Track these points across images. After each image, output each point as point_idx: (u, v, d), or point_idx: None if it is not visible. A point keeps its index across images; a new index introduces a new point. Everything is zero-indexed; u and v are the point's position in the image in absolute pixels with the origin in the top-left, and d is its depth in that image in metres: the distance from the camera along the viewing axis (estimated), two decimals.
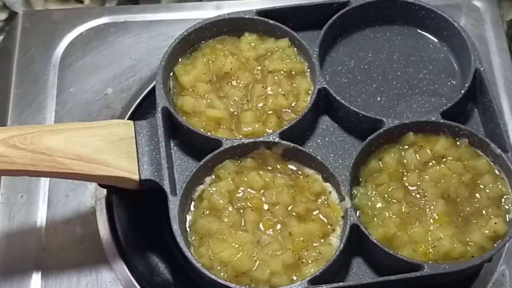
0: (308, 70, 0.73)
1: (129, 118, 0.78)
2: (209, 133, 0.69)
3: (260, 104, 0.71)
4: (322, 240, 0.65)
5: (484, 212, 0.65)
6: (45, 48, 0.83)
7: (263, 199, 0.66)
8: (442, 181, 0.67)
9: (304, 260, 0.64)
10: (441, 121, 0.69)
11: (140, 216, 0.73)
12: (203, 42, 0.75)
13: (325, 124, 0.73)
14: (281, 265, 0.63)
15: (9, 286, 0.70)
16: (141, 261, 0.71)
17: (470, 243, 0.64)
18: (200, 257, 0.63)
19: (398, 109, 0.72)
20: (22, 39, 0.84)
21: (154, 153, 0.68)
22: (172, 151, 0.70)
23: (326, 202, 0.66)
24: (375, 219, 0.65)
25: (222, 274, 0.63)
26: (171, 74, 0.73)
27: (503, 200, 0.66)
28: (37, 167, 0.63)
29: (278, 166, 0.68)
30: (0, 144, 0.63)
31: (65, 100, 0.80)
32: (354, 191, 0.66)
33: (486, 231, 0.64)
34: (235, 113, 0.71)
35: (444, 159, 0.68)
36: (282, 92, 0.72)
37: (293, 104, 0.71)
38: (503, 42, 0.83)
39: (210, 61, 0.74)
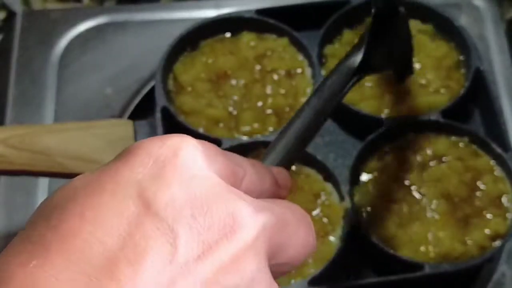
0: (308, 70, 0.73)
1: (129, 118, 0.77)
2: (208, 133, 0.69)
3: (260, 104, 0.71)
4: (322, 240, 0.64)
5: (484, 211, 0.65)
6: (44, 48, 0.83)
7: None
8: (442, 180, 0.66)
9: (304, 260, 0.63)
10: (441, 120, 0.68)
11: None
12: (202, 41, 0.75)
13: (325, 124, 0.72)
14: None
15: None
16: None
17: (470, 243, 0.63)
18: None
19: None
20: (21, 39, 0.84)
21: None
22: None
23: (326, 202, 0.66)
24: (375, 219, 0.65)
25: None
26: (171, 73, 0.73)
27: (503, 199, 0.66)
28: (35, 167, 0.63)
29: None
30: None
31: (64, 99, 0.80)
32: (354, 191, 0.66)
33: (486, 231, 0.64)
34: (234, 112, 0.71)
35: (444, 159, 0.68)
36: (282, 92, 0.72)
37: (292, 104, 0.71)
38: (504, 41, 0.83)
39: (209, 61, 0.73)
